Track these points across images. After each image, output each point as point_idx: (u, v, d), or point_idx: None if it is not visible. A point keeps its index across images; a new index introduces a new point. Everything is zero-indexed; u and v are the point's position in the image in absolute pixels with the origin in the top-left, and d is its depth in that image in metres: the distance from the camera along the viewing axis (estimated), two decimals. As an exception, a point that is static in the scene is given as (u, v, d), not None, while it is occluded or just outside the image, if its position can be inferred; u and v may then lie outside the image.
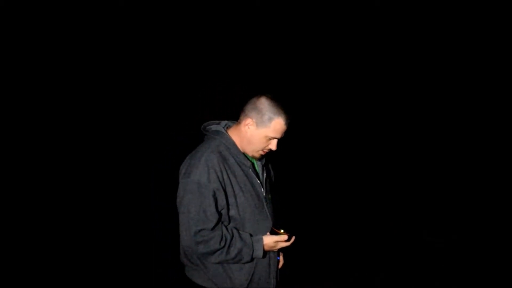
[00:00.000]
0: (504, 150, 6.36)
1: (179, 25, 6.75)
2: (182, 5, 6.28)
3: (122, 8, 5.94)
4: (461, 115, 7.31)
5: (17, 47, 5.64)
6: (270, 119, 1.51)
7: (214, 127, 1.64)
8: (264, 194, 1.63)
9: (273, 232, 1.58)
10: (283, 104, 1.55)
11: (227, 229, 1.52)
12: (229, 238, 1.49)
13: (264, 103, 1.52)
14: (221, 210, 1.52)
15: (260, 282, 1.62)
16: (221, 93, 7.61)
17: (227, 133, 1.60)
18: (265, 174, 1.70)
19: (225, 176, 1.51)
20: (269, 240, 1.56)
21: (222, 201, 1.50)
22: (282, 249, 1.67)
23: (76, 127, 6.24)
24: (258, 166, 1.69)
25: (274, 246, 1.57)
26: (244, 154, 1.61)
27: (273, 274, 1.67)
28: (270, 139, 1.55)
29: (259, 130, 1.53)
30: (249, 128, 1.54)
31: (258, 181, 1.62)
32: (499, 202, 4.93)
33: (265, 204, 1.62)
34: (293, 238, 1.58)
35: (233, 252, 1.50)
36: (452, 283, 3.30)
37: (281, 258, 1.76)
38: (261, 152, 1.59)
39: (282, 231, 1.57)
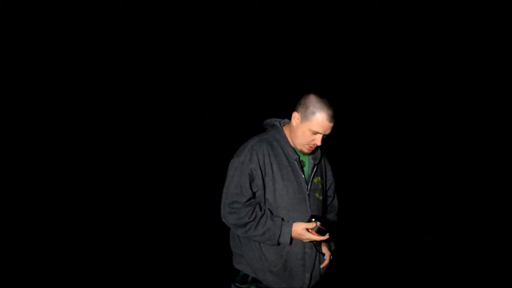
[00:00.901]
0: (504, 150, 6.37)
1: (179, 25, 6.75)
2: (182, 5, 6.27)
3: (122, 8, 5.94)
4: (461, 116, 7.31)
5: (17, 47, 5.64)
6: (313, 113, 1.60)
7: (272, 121, 1.79)
8: (308, 189, 1.68)
9: (308, 222, 1.60)
10: (329, 102, 1.62)
11: (260, 207, 1.64)
12: (259, 215, 1.61)
13: (310, 99, 1.62)
14: (256, 191, 1.65)
15: (292, 273, 1.67)
16: (221, 93, 7.61)
17: (282, 127, 1.74)
18: (314, 172, 1.72)
19: (267, 161, 1.64)
20: (298, 227, 1.60)
21: (258, 181, 1.63)
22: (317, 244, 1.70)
23: (76, 127, 6.23)
24: (309, 163, 1.74)
25: (302, 234, 1.58)
26: (294, 149, 1.69)
27: (308, 269, 1.67)
28: (314, 133, 1.61)
29: (303, 123, 1.62)
30: (295, 121, 1.65)
31: (303, 175, 1.68)
32: (499, 202, 4.93)
33: (307, 198, 1.66)
34: (326, 235, 1.58)
35: (261, 229, 1.59)
36: (452, 283, 3.30)
37: (326, 258, 1.74)
38: (308, 147, 1.65)
39: (318, 223, 1.56)
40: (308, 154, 1.71)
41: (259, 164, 1.63)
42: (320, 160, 1.77)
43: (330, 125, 1.60)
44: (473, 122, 7.11)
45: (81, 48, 6.18)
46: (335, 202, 1.95)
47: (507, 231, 4.16)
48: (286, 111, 1.79)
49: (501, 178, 5.67)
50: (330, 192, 1.91)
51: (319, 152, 1.78)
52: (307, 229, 1.58)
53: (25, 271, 3.31)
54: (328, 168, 1.89)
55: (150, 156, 6.50)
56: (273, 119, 1.80)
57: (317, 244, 1.70)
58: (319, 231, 1.57)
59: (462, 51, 6.92)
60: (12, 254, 3.57)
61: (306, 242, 1.64)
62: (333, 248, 1.85)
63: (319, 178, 1.76)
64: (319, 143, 1.63)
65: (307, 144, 1.64)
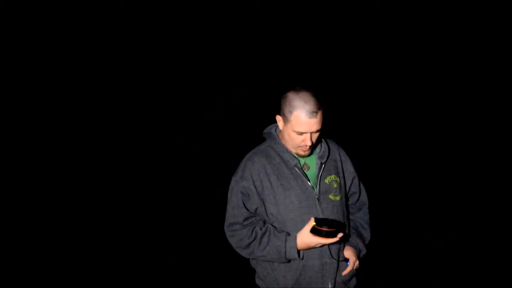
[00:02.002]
0: (504, 150, 6.36)
1: (179, 25, 6.75)
2: (181, 5, 6.28)
3: (122, 9, 5.94)
4: (461, 116, 7.31)
5: (17, 47, 5.64)
6: (291, 113, 1.44)
7: (268, 129, 1.66)
8: (317, 192, 1.53)
9: (313, 228, 1.41)
10: (312, 94, 1.44)
11: (263, 225, 1.54)
12: (259, 233, 1.51)
13: (287, 97, 1.47)
14: (256, 208, 1.55)
15: (310, 285, 1.54)
16: (221, 93, 7.61)
17: (278, 134, 1.61)
18: (322, 172, 1.56)
19: (263, 175, 1.53)
20: (302, 235, 1.45)
21: (254, 198, 1.54)
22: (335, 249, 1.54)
23: (76, 128, 6.23)
24: (316, 163, 1.58)
25: (309, 242, 1.43)
26: (293, 154, 1.56)
27: (329, 280, 1.53)
28: (299, 134, 1.45)
29: (287, 126, 1.48)
30: (280, 125, 1.54)
31: (307, 180, 1.53)
32: (499, 202, 4.93)
33: (318, 203, 1.52)
34: (339, 235, 1.39)
35: (265, 248, 1.49)
36: (452, 283, 3.30)
37: (350, 263, 1.58)
38: (301, 149, 1.50)
39: (313, 223, 1.40)
40: (309, 155, 1.56)
41: (253, 180, 1.53)
42: (328, 157, 1.59)
43: (313, 120, 1.41)
44: (473, 122, 7.10)
45: (81, 49, 6.18)
46: (363, 197, 1.75)
47: (507, 231, 4.16)
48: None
49: (501, 178, 5.67)
50: (354, 188, 1.71)
51: (326, 148, 1.60)
52: (312, 234, 1.41)
53: (25, 271, 3.31)
54: (347, 161, 1.68)
55: (150, 156, 6.49)
56: (270, 126, 1.66)
57: (334, 251, 1.54)
58: (319, 233, 1.39)
59: (462, 51, 6.91)
60: (12, 254, 3.57)
61: (323, 251, 1.51)
62: (362, 252, 1.67)
63: (333, 176, 1.58)
64: (308, 142, 1.46)
65: (299, 147, 1.49)
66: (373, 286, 3.29)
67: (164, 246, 3.90)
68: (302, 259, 1.51)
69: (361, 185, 1.76)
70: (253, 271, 1.70)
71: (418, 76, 7.58)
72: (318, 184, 1.54)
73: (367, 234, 1.75)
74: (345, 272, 1.57)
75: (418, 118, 7.59)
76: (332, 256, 1.53)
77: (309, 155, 1.56)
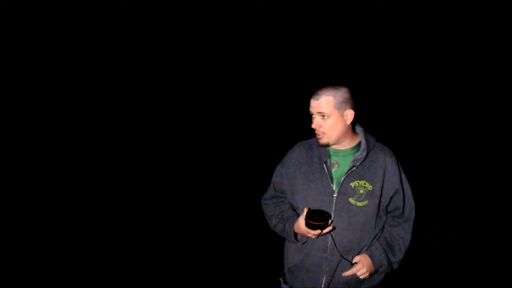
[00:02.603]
0: (504, 150, 6.36)
1: (181, 26, 6.75)
2: (186, 6, 6.28)
3: (134, 14, 5.94)
4: (461, 116, 7.31)
5: (18, 47, 5.65)
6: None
7: None
8: (336, 192, 1.58)
9: (305, 219, 1.50)
10: (328, 85, 1.58)
11: (286, 207, 1.72)
12: (276, 212, 1.73)
13: None
14: (285, 191, 1.73)
15: (308, 273, 1.64)
16: (221, 94, 7.61)
17: None
18: (348, 175, 1.59)
19: (297, 165, 1.68)
20: (299, 223, 1.55)
21: (285, 184, 1.71)
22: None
23: (75, 128, 6.24)
24: (349, 165, 1.61)
25: (302, 231, 1.54)
26: (331, 150, 1.65)
27: (325, 273, 1.60)
28: (311, 116, 1.61)
29: None
30: None
31: (329, 177, 1.59)
32: (499, 202, 4.93)
33: (334, 203, 1.58)
34: (317, 231, 1.47)
35: (278, 225, 1.70)
36: (452, 283, 3.30)
37: (355, 268, 1.58)
38: (316, 135, 1.62)
39: (313, 220, 1.46)
40: (325, 145, 1.61)
41: (287, 167, 1.70)
42: (364, 162, 1.61)
43: (314, 102, 1.56)
44: (473, 122, 7.10)
45: (83, 49, 6.18)
46: (407, 213, 1.69)
47: (507, 231, 4.16)
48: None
49: (501, 178, 5.67)
50: (397, 202, 1.66)
51: (365, 153, 1.62)
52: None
53: (25, 271, 3.31)
54: (393, 174, 1.63)
55: (150, 155, 6.49)
56: None
57: (342, 248, 1.58)
58: (307, 223, 1.47)
59: (462, 51, 6.91)
60: (12, 254, 3.57)
61: (327, 245, 1.58)
62: (383, 267, 1.63)
63: (363, 182, 1.59)
64: (313, 125, 1.59)
65: (314, 130, 1.61)
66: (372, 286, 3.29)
67: (164, 246, 3.90)
68: (304, 243, 1.63)
69: (408, 201, 1.69)
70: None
71: (418, 76, 7.58)
72: (340, 185, 1.59)
73: (398, 254, 1.67)
74: (345, 274, 1.59)
75: (417, 118, 7.58)
76: (340, 254, 1.57)
77: (326, 145, 1.61)
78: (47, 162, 5.76)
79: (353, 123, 1.64)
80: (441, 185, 5.58)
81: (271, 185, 1.79)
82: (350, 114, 1.58)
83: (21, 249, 3.70)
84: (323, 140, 1.59)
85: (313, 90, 1.59)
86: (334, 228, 1.55)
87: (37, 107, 5.98)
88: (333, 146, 1.64)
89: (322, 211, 1.51)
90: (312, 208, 1.55)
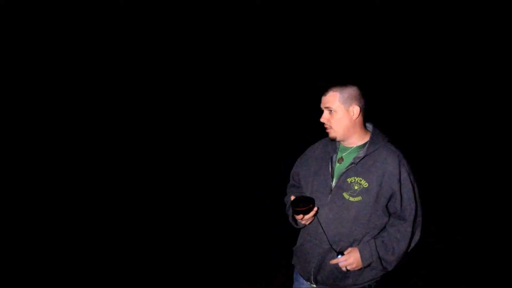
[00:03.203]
0: (504, 151, 6.36)
1: (181, 26, 6.75)
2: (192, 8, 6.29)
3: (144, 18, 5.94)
4: (461, 116, 7.31)
5: (18, 47, 5.65)
6: None
7: None
8: (333, 185, 1.71)
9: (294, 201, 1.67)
10: (340, 84, 1.70)
11: (294, 194, 1.83)
12: (287, 199, 1.91)
13: None
14: (300, 179, 1.87)
15: (300, 261, 1.82)
16: (222, 94, 7.61)
17: None
18: (346, 171, 1.67)
19: (313, 158, 1.83)
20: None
21: (301, 174, 1.87)
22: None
23: (77, 128, 6.24)
24: (349, 158, 1.72)
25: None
26: (341, 146, 1.77)
27: (316, 260, 1.73)
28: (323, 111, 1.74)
29: None
30: None
31: (329, 171, 1.73)
32: (499, 202, 4.93)
33: (329, 195, 1.70)
34: (300, 216, 1.64)
35: (286, 209, 1.88)
36: (452, 283, 3.30)
37: (341, 257, 1.64)
38: (326, 129, 1.74)
39: (296, 206, 1.63)
40: (333, 139, 1.74)
41: (305, 159, 1.87)
42: (363, 160, 1.67)
43: (323, 97, 1.70)
44: (474, 122, 7.10)
45: (86, 50, 6.19)
46: (407, 216, 1.70)
47: (507, 231, 4.16)
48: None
49: (502, 178, 5.67)
50: (395, 204, 1.68)
51: (366, 153, 1.67)
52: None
53: (25, 271, 3.32)
54: (393, 177, 1.65)
55: (150, 156, 6.49)
56: None
57: (332, 238, 1.67)
58: (293, 211, 1.65)
59: (462, 51, 6.90)
60: (12, 254, 3.57)
61: (317, 233, 1.71)
62: (374, 264, 1.66)
63: (359, 179, 1.65)
64: (321, 119, 1.71)
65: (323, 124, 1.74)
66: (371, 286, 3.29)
67: (164, 246, 3.90)
68: (302, 228, 1.83)
69: (408, 204, 1.71)
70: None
71: (418, 76, 7.58)
72: (339, 179, 1.70)
73: (390, 255, 1.68)
74: (332, 261, 1.69)
75: (418, 118, 7.58)
76: (329, 242, 1.68)
77: (334, 139, 1.73)
78: (47, 162, 5.76)
79: (364, 121, 1.76)
80: (441, 185, 5.57)
81: (291, 175, 1.97)
82: (356, 110, 1.67)
83: (21, 249, 3.70)
84: (331, 134, 1.72)
85: (325, 89, 1.71)
86: (317, 211, 1.69)
87: (37, 107, 5.98)
88: (343, 143, 1.76)
89: (309, 198, 1.67)
90: (304, 196, 1.73)
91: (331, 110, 1.68)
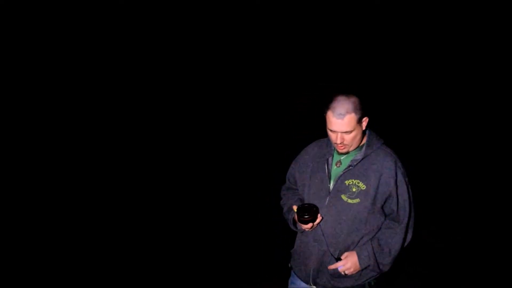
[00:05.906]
0: (504, 151, 6.36)
1: (181, 26, 6.75)
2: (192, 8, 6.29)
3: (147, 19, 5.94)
4: (461, 116, 7.31)
5: (18, 47, 5.65)
6: (325, 112, 1.63)
7: None
8: (331, 189, 1.70)
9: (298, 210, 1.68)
10: (345, 99, 1.58)
11: (291, 196, 1.87)
12: (284, 202, 1.90)
13: (333, 97, 1.63)
14: (296, 182, 1.86)
15: (297, 263, 1.82)
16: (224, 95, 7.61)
17: None
18: (344, 173, 1.67)
19: (307, 161, 1.81)
20: (295, 216, 1.73)
21: (296, 177, 1.86)
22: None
23: (77, 128, 6.24)
24: (347, 161, 1.71)
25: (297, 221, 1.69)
26: (335, 149, 1.73)
27: (311, 261, 1.73)
28: (331, 131, 1.63)
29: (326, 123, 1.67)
30: None
31: (328, 175, 1.71)
32: (499, 202, 4.93)
33: (328, 198, 1.69)
34: (309, 225, 1.63)
35: (283, 212, 1.88)
36: (452, 283, 3.30)
37: (340, 262, 1.66)
38: (336, 146, 1.66)
39: (301, 216, 1.61)
40: (346, 153, 1.69)
41: (300, 163, 1.84)
42: (360, 163, 1.67)
43: (339, 122, 1.56)
44: (473, 123, 7.10)
45: (86, 50, 6.19)
46: (401, 218, 1.69)
47: (507, 231, 4.16)
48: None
49: (502, 178, 5.66)
50: (391, 205, 1.69)
51: (363, 155, 1.68)
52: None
53: (25, 271, 3.32)
54: (389, 180, 1.65)
55: (150, 156, 6.50)
56: None
57: (331, 242, 1.67)
58: (299, 221, 1.65)
59: (462, 51, 6.91)
60: (12, 254, 3.57)
61: (316, 236, 1.70)
62: (370, 268, 1.67)
63: (357, 181, 1.65)
64: (336, 141, 1.61)
65: (334, 143, 1.65)
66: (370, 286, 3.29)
67: (164, 246, 3.90)
68: (302, 232, 1.77)
69: (403, 206, 1.69)
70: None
71: (418, 76, 7.58)
72: (336, 181, 1.69)
73: (386, 257, 1.68)
74: (330, 266, 1.69)
75: (417, 118, 7.58)
76: (327, 246, 1.68)
77: (347, 153, 1.70)
78: (47, 162, 5.76)
79: None
80: (441, 185, 5.58)
81: (287, 177, 1.95)
82: (365, 121, 1.67)
83: (21, 249, 3.70)
84: (343, 150, 1.67)
85: (328, 103, 1.60)
86: (322, 218, 1.67)
87: (37, 107, 5.99)
88: None
89: (311, 205, 1.64)
90: (307, 203, 1.70)
91: (348, 132, 1.59)
